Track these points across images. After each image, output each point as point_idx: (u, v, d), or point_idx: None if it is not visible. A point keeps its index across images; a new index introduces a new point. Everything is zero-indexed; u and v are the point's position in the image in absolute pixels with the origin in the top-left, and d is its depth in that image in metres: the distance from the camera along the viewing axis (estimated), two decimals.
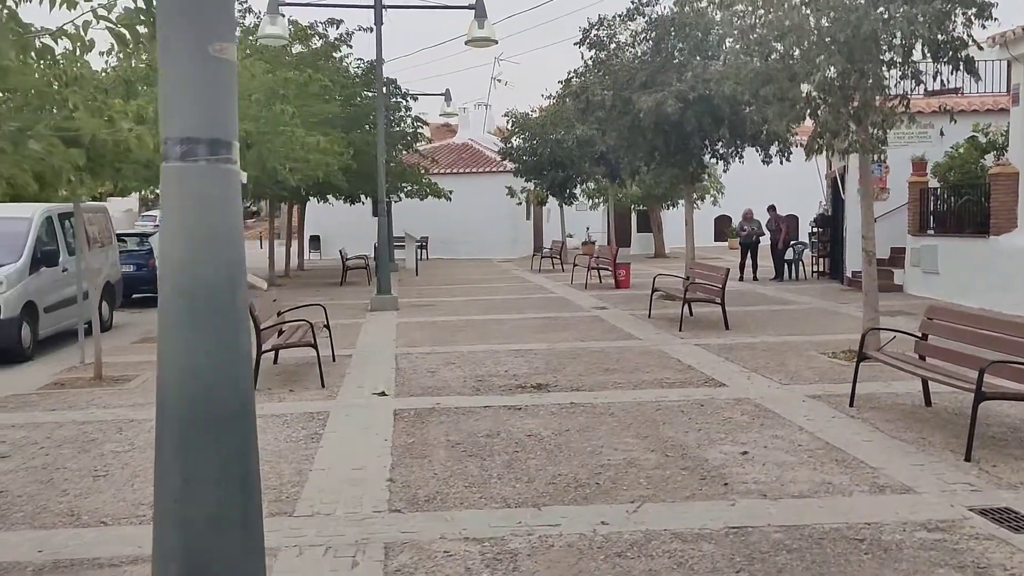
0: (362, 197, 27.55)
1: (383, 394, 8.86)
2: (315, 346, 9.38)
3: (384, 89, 25.93)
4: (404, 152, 27.37)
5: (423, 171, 28.23)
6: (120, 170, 9.79)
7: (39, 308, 11.95)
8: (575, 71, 17.63)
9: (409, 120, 27.21)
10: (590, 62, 17.30)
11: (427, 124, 28.67)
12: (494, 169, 35.31)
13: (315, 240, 36.45)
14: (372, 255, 27.74)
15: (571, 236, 35.95)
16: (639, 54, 16.78)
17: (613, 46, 17.23)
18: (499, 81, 45.30)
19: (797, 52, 10.57)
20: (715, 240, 40.54)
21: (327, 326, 10.90)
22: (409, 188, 28.07)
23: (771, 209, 22.33)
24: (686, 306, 14.27)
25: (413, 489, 5.88)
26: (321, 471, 6.31)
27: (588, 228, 35.50)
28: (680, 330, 13.03)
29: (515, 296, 18.99)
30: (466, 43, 16.88)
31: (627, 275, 20.25)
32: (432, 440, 7.11)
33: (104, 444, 7.09)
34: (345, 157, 16.00)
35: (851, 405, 8.05)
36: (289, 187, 17.35)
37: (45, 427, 7.70)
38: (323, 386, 9.27)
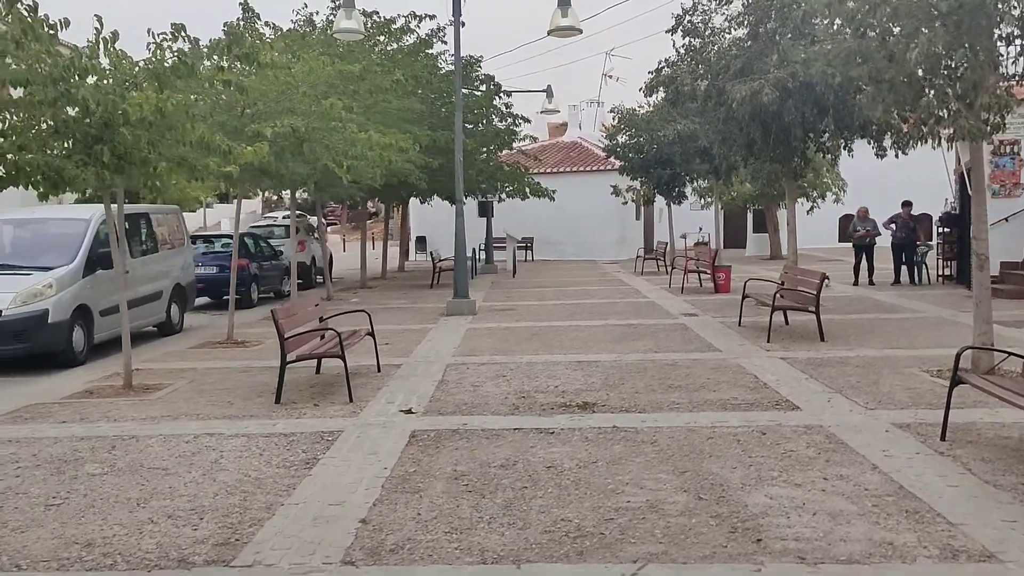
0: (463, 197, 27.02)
1: (409, 412, 8.07)
2: (343, 357, 8.66)
3: (484, 86, 25.44)
4: (501, 151, 26.61)
5: (524, 170, 27.39)
6: (156, 169, 9.30)
7: (94, 312, 11.69)
8: (666, 60, 16.49)
9: (509, 118, 26.40)
10: (682, 50, 16.13)
11: (528, 121, 27.83)
12: (601, 168, 34.23)
13: (421, 241, 36.18)
14: (469, 256, 27.23)
15: (684, 236, 34.55)
16: (735, 40, 15.52)
17: (708, 32, 16.02)
18: (610, 77, 43.83)
19: (897, 29, 9.25)
20: (839, 241, 38.28)
21: (371, 334, 10.21)
22: (510, 188, 27.29)
23: (906, 205, 20.30)
24: (784, 314, 13.02)
25: (384, 534, 5.05)
26: (294, 506, 5.55)
27: (700, 228, 33.97)
28: (768, 341, 11.78)
29: (605, 300, 17.97)
30: (548, 32, 15.99)
31: (727, 279, 18.92)
32: (436, 470, 6.27)
33: (85, 465, 6.54)
34: (411, 154, 15.30)
35: (942, 438, 6.79)
36: (364, 187, 16.89)
37: (40, 442, 7.23)
38: (351, 400, 8.55)
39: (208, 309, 18.32)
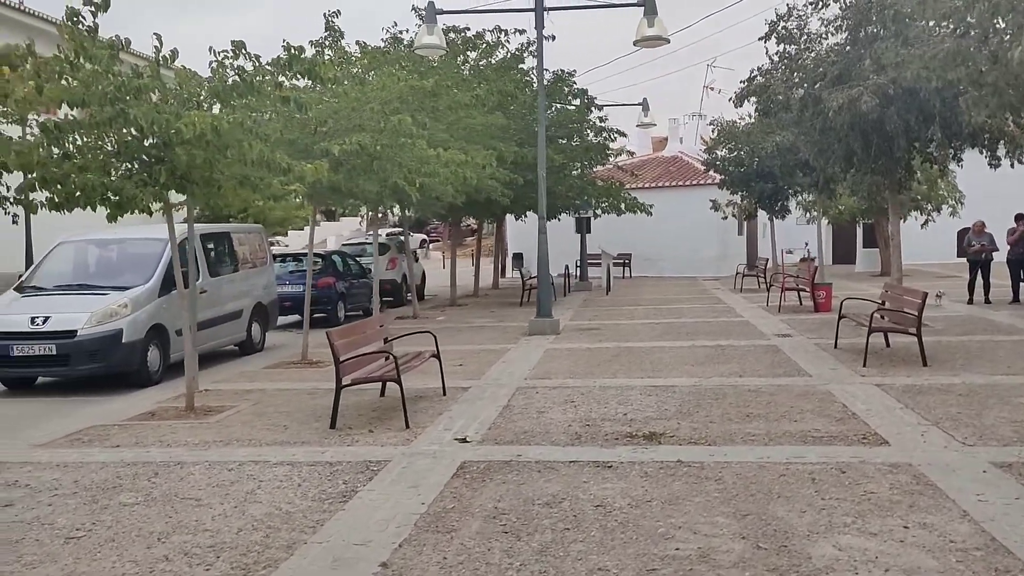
0: (559, 214, 26.77)
1: (464, 440, 7.69)
2: (399, 381, 8.35)
3: (577, 100, 25.02)
4: (595, 166, 26.16)
5: (617, 184, 26.85)
6: (220, 188, 9.22)
7: (170, 331, 11.71)
8: (759, 68, 15.77)
9: (604, 132, 25.88)
10: (775, 57, 15.41)
11: (624, 135, 27.22)
12: (702, 182, 33.34)
13: (518, 258, 35.89)
14: (563, 273, 26.79)
15: (790, 252, 33.33)
16: (832, 45, 14.74)
17: (804, 38, 15.26)
18: (711, 89, 42.68)
19: (1001, 26, 8.46)
20: (957, 256, 36.34)
21: (436, 355, 9.87)
22: (605, 203, 26.79)
23: (1020, 219, 18.85)
24: (884, 336, 12.17)
25: None
26: (316, 545, 5.22)
27: (806, 244, 32.71)
28: (864, 365, 10.97)
29: (696, 320, 17.26)
30: (634, 43, 15.49)
31: (828, 297, 17.94)
32: (476, 507, 5.85)
33: (120, 494, 6.36)
34: (488, 170, 14.91)
35: None
36: (445, 204, 16.69)
37: (87, 468, 7.12)
38: (407, 426, 8.22)
39: (296, 327, 18.35)
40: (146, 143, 8.53)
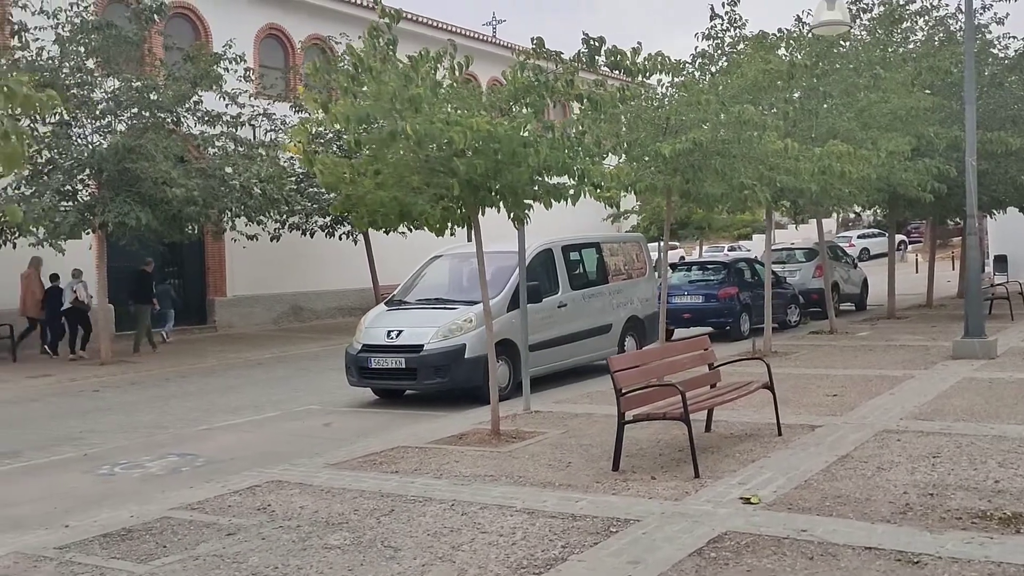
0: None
1: (748, 501, 6.15)
2: (686, 420, 6.96)
3: None
4: None
5: None
6: (535, 199, 8.62)
7: (519, 347, 11.34)
8: None
9: None
10: None
11: None
12: None
13: (1000, 260, 30.85)
14: None
15: None
16: None
17: None
18: None
19: None
20: None
21: (768, 387, 8.24)
22: None
23: None
24: None
25: None
26: None
27: None
28: None
29: None
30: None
31: None
32: None
33: (337, 532, 5.92)
34: (870, 161, 12.18)
35: None
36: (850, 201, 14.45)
37: (341, 496, 6.82)
38: (696, 475, 6.84)
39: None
40: (445, 155, 8.16)
